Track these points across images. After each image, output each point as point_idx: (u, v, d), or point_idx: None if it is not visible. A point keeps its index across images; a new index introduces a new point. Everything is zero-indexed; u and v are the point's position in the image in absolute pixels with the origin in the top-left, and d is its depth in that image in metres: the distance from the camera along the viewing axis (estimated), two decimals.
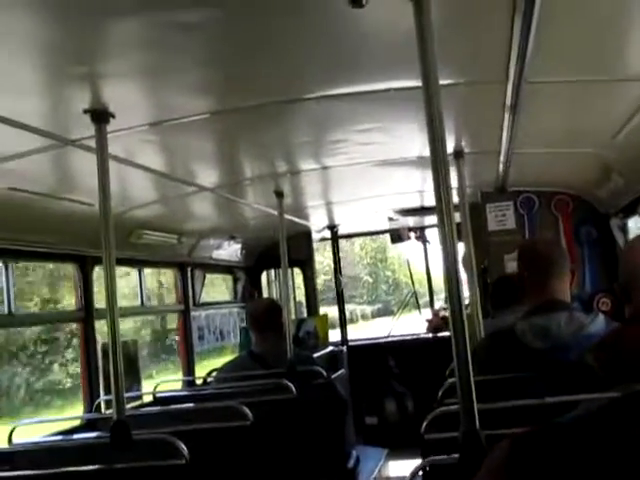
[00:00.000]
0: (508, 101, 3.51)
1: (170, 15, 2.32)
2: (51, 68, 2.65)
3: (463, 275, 5.49)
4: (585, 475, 1.85)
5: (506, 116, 3.81)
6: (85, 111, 3.01)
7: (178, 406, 4.36)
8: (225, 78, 3.07)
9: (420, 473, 2.60)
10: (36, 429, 4.57)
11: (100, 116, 3.05)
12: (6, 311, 4.42)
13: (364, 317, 33.82)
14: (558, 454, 1.79)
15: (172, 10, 2.29)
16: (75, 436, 4.35)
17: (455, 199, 4.35)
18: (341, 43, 2.74)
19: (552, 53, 2.92)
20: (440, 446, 2.51)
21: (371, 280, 37.68)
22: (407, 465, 2.51)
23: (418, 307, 10.41)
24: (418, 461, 2.61)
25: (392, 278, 37.54)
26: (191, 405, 4.46)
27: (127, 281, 7.85)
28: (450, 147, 4.53)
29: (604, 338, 2.90)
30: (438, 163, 2.25)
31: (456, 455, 2.17)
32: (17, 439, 4.00)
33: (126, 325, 10.86)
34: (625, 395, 1.80)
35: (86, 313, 5.14)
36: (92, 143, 3.21)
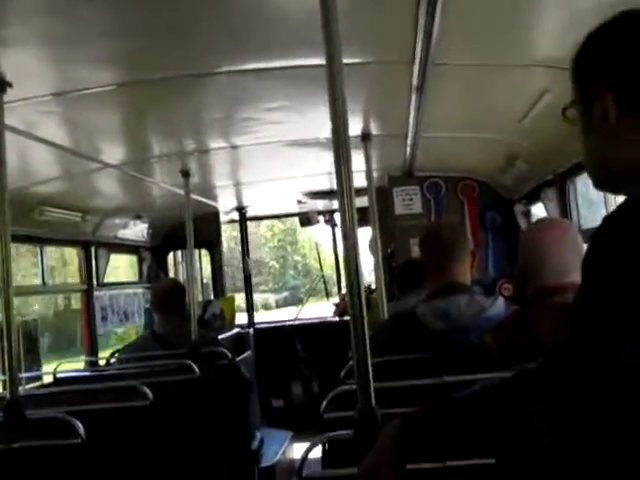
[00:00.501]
0: (415, 82, 3.52)
1: None
2: None
3: (370, 259, 5.52)
4: (474, 449, 1.88)
5: (413, 98, 3.83)
6: None
7: (77, 386, 4.27)
8: (131, 49, 2.99)
9: (320, 452, 2.60)
10: None
11: None
12: None
13: (267, 307, 31.72)
14: (449, 429, 1.82)
15: None
16: None
17: (362, 182, 4.37)
18: (248, 17, 2.71)
19: (458, 35, 2.94)
20: (340, 424, 2.51)
21: (278, 265, 34.56)
22: None
23: (326, 292, 10.47)
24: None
25: (302, 263, 34.19)
26: (91, 385, 4.37)
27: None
28: (358, 129, 4.53)
29: (503, 320, 2.96)
30: (340, 144, 2.22)
31: (351, 431, 2.18)
32: None
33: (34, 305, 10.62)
34: (515, 373, 1.84)
35: None
36: None
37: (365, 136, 4.50)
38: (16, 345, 3.03)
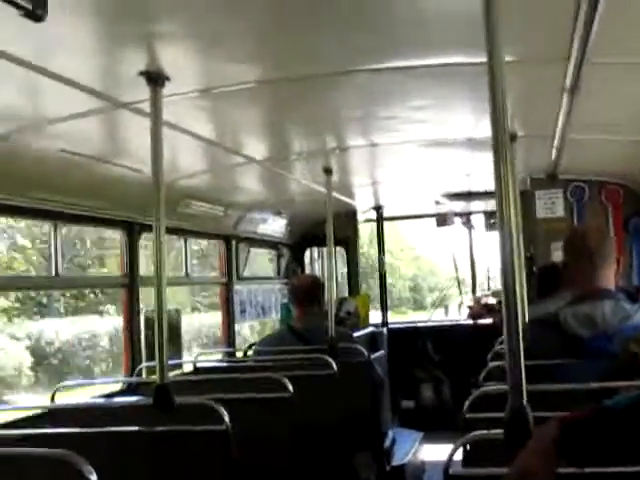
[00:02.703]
0: (568, 82, 3.44)
1: None
2: (108, 28, 2.63)
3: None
4: (633, 458, 1.84)
5: (564, 98, 3.74)
6: (140, 73, 3.00)
7: (219, 375, 4.38)
8: (277, 46, 3.04)
9: (460, 455, 2.59)
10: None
11: (155, 79, 3.03)
12: (53, 273, 4.48)
13: None
14: (608, 438, 1.80)
15: None
16: (117, 399, 4.39)
17: None
18: (399, 13, 2.70)
19: (617, 32, 2.85)
20: (479, 427, 2.50)
21: None
22: (442, 448, 2.50)
23: (460, 292, 10.40)
24: (453, 445, 2.59)
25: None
26: (234, 375, 4.47)
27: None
28: None
29: None
30: (499, 146, 2.20)
31: (500, 431, 2.16)
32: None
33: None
34: None
35: (131, 280, 5.18)
36: (145, 107, 3.20)
37: (511, 137, 4.42)
38: (165, 334, 3.13)
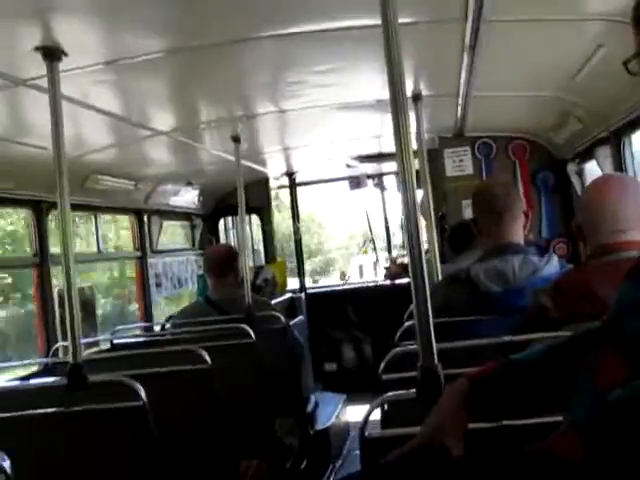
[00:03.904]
0: (467, 41, 3.47)
1: None
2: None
3: (422, 221, 5.50)
4: (541, 409, 1.89)
5: (465, 57, 3.78)
6: (36, 48, 2.91)
7: (136, 351, 4.34)
8: (181, 15, 2.98)
9: (379, 415, 2.61)
10: None
11: (52, 54, 2.94)
12: None
13: None
14: (516, 392, 1.84)
15: None
16: (32, 381, 4.32)
17: (413, 144, 4.33)
18: None
19: None
20: (397, 386, 2.52)
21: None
22: (365, 409, 2.52)
23: (375, 251, 10.50)
24: None
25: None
26: (150, 350, 4.43)
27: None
28: (408, 90, 4.46)
29: (558, 280, 2.93)
30: (398, 106, 2.22)
31: (413, 391, 2.19)
32: None
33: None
34: (574, 335, 1.84)
35: (41, 259, 5.08)
36: (44, 83, 3.11)
37: (416, 97, 4.44)
38: (77, 312, 3.08)
